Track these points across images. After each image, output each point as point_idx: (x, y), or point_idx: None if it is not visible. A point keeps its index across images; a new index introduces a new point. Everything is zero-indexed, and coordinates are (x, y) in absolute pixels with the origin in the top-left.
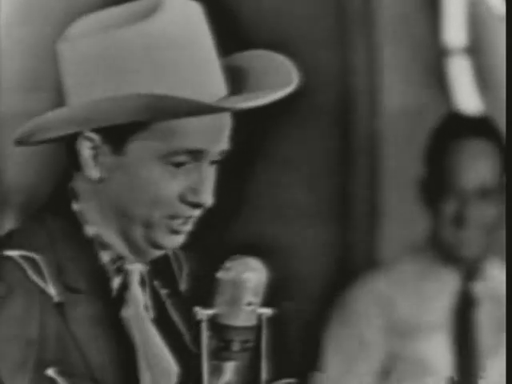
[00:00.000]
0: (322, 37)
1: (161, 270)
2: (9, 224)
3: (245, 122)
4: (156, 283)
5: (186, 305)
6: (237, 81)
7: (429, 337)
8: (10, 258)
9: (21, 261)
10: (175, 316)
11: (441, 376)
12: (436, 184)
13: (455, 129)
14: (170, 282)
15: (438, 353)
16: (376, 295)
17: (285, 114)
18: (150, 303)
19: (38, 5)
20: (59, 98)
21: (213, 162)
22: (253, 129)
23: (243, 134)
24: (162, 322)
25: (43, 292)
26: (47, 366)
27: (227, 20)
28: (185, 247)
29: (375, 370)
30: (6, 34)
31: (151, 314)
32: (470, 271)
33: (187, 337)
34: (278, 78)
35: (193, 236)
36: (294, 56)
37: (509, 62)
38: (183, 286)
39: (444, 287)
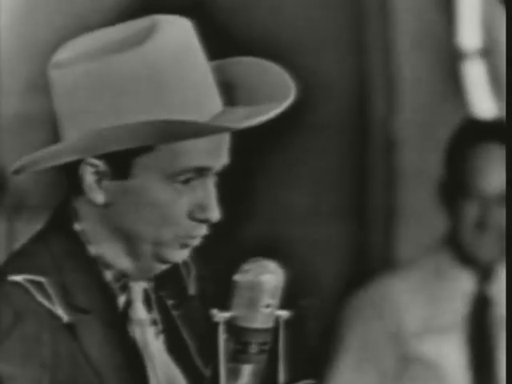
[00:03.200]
0: (338, 38)
1: (167, 278)
2: (24, 227)
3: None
4: (163, 294)
5: (195, 309)
6: (231, 91)
7: (442, 338)
8: (15, 283)
9: (27, 284)
10: (182, 328)
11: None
12: (457, 187)
13: (475, 134)
14: (178, 288)
15: (451, 355)
16: (389, 297)
17: (298, 115)
18: (158, 315)
19: (37, 5)
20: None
21: (214, 175)
22: (267, 128)
23: (256, 134)
24: (170, 333)
25: (52, 314)
26: None
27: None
28: (214, 252)
29: (387, 373)
30: (6, 34)
31: (160, 327)
32: (486, 273)
33: (193, 349)
34: (274, 90)
35: (207, 239)
36: (309, 57)
37: (509, 62)
38: (192, 290)
39: (458, 289)
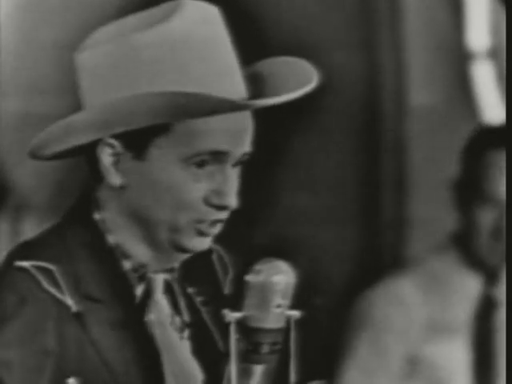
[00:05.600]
0: (349, 38)
1: (198, 275)
2: (28, 227)
3: (269, 124)
4: (191, 290)
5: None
6: (257, 86)
7: (449, 339)
8: (22, 269)
9: (34, 271)
10: (210, 324)
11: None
12: (472, 191)
13: (491, 139)
14: (210, 286)
15: (458, 356)
16: (396, 298)
17: (310, 115)
18: (185, 309)
19: (37, 5)
20: (61, 100)
21: (236, 164)
22: (277, 131)
23: (268, 136)
24: (197, 328)
25: (59, 303)
26: (67, 376)
27: (249, 23)
28: (231, 250)
29: (395, 373)
30: (5, 34)
31: (186, 319)
32: (492, 276)
33: (221, 344)
34: (297, 80)
35: (225, 238)
36: (320, 57)
37: (509, 62)
38: (228, 289)
39: (465, 291)
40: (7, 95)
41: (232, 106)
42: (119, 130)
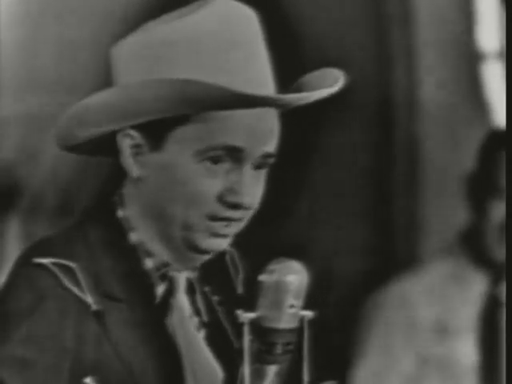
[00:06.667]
0: (361, 38)
1: (214, 275)
2: (39, 229)
3: (287, 125)
4: (207, 290)
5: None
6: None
7: (456, 339)
8: (41, 266)
9: (54, 268)
10: (226, 323)
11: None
12: (486, 188)
13: (505, 140)
14: (225, 286)
15: (466, 355)
16: (404, 299)
17: (326, 116)
18: (202, 309)
19: (37, 5)
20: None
21: (258, 166)
22: (294, 132)
23: (284, 136)
24: (214, 328)
25: (79, 300)
26: (84, 374)
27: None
28: (241, 251)
29: (405, 373)
30: (5, 34)
31: (204, 318)
32: (498, 275)
33: (236, 344)
34: (323, 82)
35: (241, 239)
36: (334, 58)
37: (509, 62)
38: (240, 289)
39: (472, 290)
40: (7, 95)
41: (246, 100)
42: (136, 117)
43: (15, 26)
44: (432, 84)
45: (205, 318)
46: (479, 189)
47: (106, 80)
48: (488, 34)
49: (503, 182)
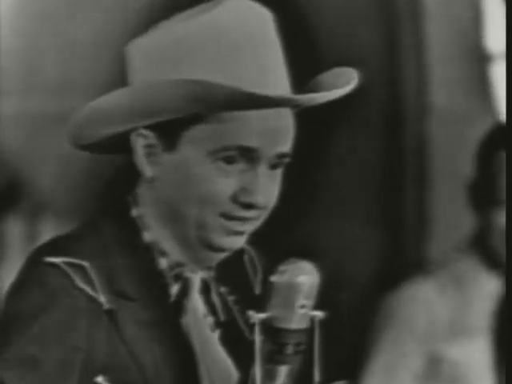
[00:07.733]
0: (371, 37)
1: (231, 275)
2: (47, 228)
3: (301, 124)
4: (223, 290)
5: (258, 309)
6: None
7: (469, 340)
8: (53, 265)
9: (66, 267)
10: (242, 323)
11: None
12: (487, 191)
13: (503, 140)
14: (243, 286)
15: (479, 356)
16: (418, 299)
17: (336, 116)
18: (218, 308)
19: (37, 5)
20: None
21: (274, 166)
22: (308, 131)
23: (299, 136)
24: (229, 328)
25: (91, 299)
26: (96, 374)
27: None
28: (260, 251)
29: (417, 374)
30: (5, 33)
31: (220, 318)
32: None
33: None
34: (338, 82)
35: (255, 239)
36: (343, 57)
37: (509, 62)
38: (258, 289)
39: (485, 291)
40: (7, 95)
41: (261, 100)
42: (150, 116)
43: (17, 27)
44: (442, 82)
45: (221, 318)
46: (479, 194)
47: (107, 80)
48: (497, 34)
49: (502, 183)
